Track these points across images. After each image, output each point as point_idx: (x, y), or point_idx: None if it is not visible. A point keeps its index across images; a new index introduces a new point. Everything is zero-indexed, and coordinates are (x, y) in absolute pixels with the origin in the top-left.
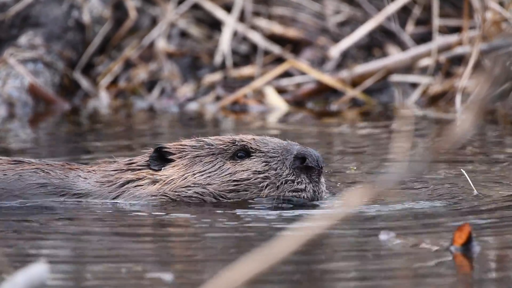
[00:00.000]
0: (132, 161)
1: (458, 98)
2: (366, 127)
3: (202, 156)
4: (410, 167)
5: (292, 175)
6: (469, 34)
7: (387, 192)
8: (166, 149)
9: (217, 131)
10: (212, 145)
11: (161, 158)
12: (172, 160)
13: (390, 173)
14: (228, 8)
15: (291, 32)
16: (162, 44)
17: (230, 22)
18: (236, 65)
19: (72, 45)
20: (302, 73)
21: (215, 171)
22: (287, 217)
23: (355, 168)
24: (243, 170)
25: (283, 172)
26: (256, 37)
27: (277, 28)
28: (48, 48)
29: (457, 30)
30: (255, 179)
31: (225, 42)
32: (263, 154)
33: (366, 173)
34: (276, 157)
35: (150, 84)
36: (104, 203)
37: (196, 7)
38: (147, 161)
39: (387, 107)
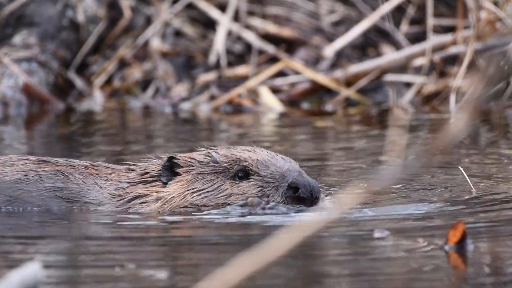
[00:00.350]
0: (146, 171)
1: (452, 98)
2: (360, 126)
3: (205, 173)
4: (405, 167)
5: (284, 204)
6: (464, 33)
7: (382, 192)
8: (176, 161)
9: (211, 131)
10: (217, 163)
11: (172, 168)
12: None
13: (385, 172)
14: (222, 8)
15: (286, 32)
16: (156, 44)
17: (224, 22)
18: (230, 64)
19: (66, 44)
20: (297, 72)
21: (213, 191)
22: (280, 220)
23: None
24: (238, 194)
25: (275, 200)
26: (250, 37)
27: (271, 28)
28: (42, 48)
29: (451, 29)
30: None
31: (219, 41)
32: (260, 178)
33: (360, 173)
34: (271, 183)
35: (144, 84)
36: (111, 213)
37: (190, 6)
38: (160, 170)
39: (381, 106)
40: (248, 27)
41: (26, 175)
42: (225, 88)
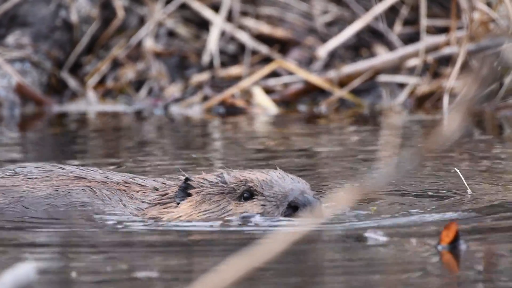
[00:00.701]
0: (166, 192)
1: (445, 99)
2: (353, 127)
3: (213, 194)
4: (398, 168)
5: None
6: (457, 34)
7: (375, 192)
8: (190, 182)
9: (204, 131)
10: (225, 183)
11: (187, 189)
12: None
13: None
14: (216, 8)
15: (279, 32)
16: (149, 44)
17: (218, 22)
18: (223, 65)
19: (59, 44)
20: (290, 73)
21: (218, 211)
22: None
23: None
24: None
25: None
26: (244, 37)
27: (264, 28)
28: (35, 48)
29: (444, 30)
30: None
31: (212, 42)
32: (263, 198)
33: (354, 173)
34: (272, 201)
35: (137, 84)
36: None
37: (183, 6)
38: (177, 192)
39: (375, 107)
40: (242, 27)
41: (57, 190)
42: (218, 89)
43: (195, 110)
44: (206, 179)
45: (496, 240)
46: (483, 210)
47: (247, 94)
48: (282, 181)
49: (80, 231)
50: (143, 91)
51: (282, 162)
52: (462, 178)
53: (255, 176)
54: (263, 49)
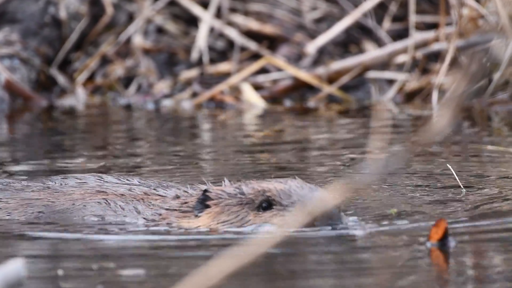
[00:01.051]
0: (186, 201)
1: (434, 95)
2: (343, 123)
3: (232, 205)
4: (388, 164)
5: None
6: (446, 30)
7: (365, 188)
8: (208, 194)
9: (194, 128)
10: (243, 194)
11: (205, 201)
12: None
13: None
14: (204, 5)
15: (268, 29)
16: (138, 40)
17: (206, 19)
18: (212, 61)
19: (48, 41)
20: (279, 69)
21: (236, 222)
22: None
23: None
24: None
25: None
26: (232, 34)
27: (253, 25)
28: (24, 45)
29: (433, 26)
30: None
31: (201, 38)
32: (282, 208)
33: (344, 169)
34: (292, 211)
35: (126, 80)
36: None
37: (172, 3)
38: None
39: (364, 103)
40: (231, 24)
41: (74, 204)
42: (207, 85)
43: (185, 105)
44: (224, 191)
45: (486, 237)
46: (472, 207)
47: (236, 91)
48: (301, 190)
49: (86, 240)
50: (132, 88)
51: (270, 157)
52: (454, 174)
53: (273, 186)
54: (252, 45)
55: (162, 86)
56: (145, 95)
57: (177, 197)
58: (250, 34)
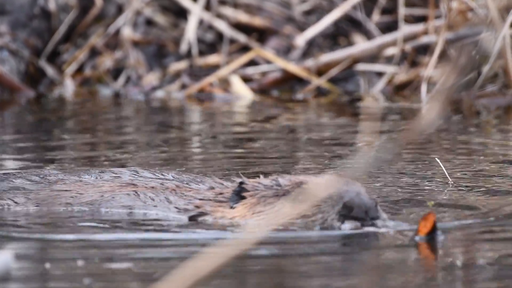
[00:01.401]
0: (221, 191)
1: (423, 88)
2: (331, 116)
3: (268, 196)
4: (377, 157)
5: (337, 221)
6: (435, 23)
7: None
8: (244, 186)
9: (183, 120)
10: (280, 186)
11: (241, 193)
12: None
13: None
14: None
15: (257, 21)
16: (127, 32)
17: (196, 11)
18: (202, 53)
19: (37, 33)
20: (268, 61)
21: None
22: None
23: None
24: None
25: (328, 217)
26: (222, 26)
27: (243, 17)
28: (13, 36)
29: (423, 19)
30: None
31: (191, 30)
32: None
33: (332, 163)
34: (327, 201)
35: (115, 72)
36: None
37: None
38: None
39: (353, 96)
40: (220, 16)
41: (103, 195)
42: (196, 77)
43: (174, 97)
44: (261, 183)
45: (474, 230)
46: (461, 200)
47: (225, 83)
48: (337, 183)
49: (114, 230)
50: (121, 80)
51: (259, 147)
52: (442, 167)
53: (310, 178)
54: (241, 37)
55: (151, 78)
56: (134, 87)
57: (212, 188)
58: (239, 27)
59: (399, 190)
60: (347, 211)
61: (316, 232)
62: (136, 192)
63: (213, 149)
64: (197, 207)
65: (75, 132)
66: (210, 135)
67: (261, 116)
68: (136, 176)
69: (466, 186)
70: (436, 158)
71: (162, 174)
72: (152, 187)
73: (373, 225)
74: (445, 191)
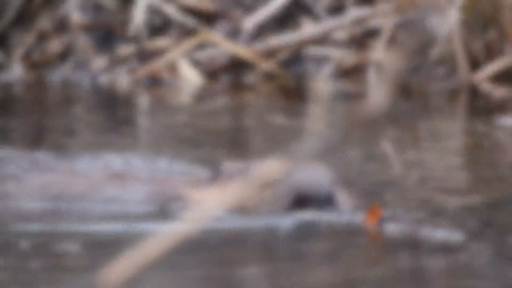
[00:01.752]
0: (198, 178)
1: (371, 72)
2: (279, 99)
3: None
4: (324, 141)
5: (287, 209)
6: (383, 7)
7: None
8: (221, 168)
9: (131, 105)
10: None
11: (217, 175)
12: None
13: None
14: None
15: (205, 4)
16: (76, 17)
17: None
18: (150, 37)
19: None
20: (216, 45)
21: (246, 196)
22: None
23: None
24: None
25: (278, 204)
26: (170, 9)
27: (191, 1)
28: None
29: (371, 2)
30: None
31: (139, 14)
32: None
33: (280, 147)
34: (278, 188)
35: (63, 56)
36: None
37: None
38: None
39: (301, 79)
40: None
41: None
42: (144, 61)
43: (122, 81)
44: (236, 167)
45: (422, 219)
46: (409, 188)
47: (173, 67)
48: (289, 169)
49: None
50: (69, 64)
51: (205, 131)
52: (391, 156)
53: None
54: (190, 21)
55: (99, 63)
56: (82, 72)
57: (190, 173)
58: (188, 10)
59: (348, 176)
60: (299, 199)
61: (264, 220)
62: (122, 184)
63: (160, 134)
64: (172, 189)
65: (20, 116)
66: (156, 120)
67: (207, 100)
68: (127, 166)
69: (414, 173)
70: (383, 143)
71: (152, 163)
72: (139, 178)
73: (324, 214)
74: (392, 178)
